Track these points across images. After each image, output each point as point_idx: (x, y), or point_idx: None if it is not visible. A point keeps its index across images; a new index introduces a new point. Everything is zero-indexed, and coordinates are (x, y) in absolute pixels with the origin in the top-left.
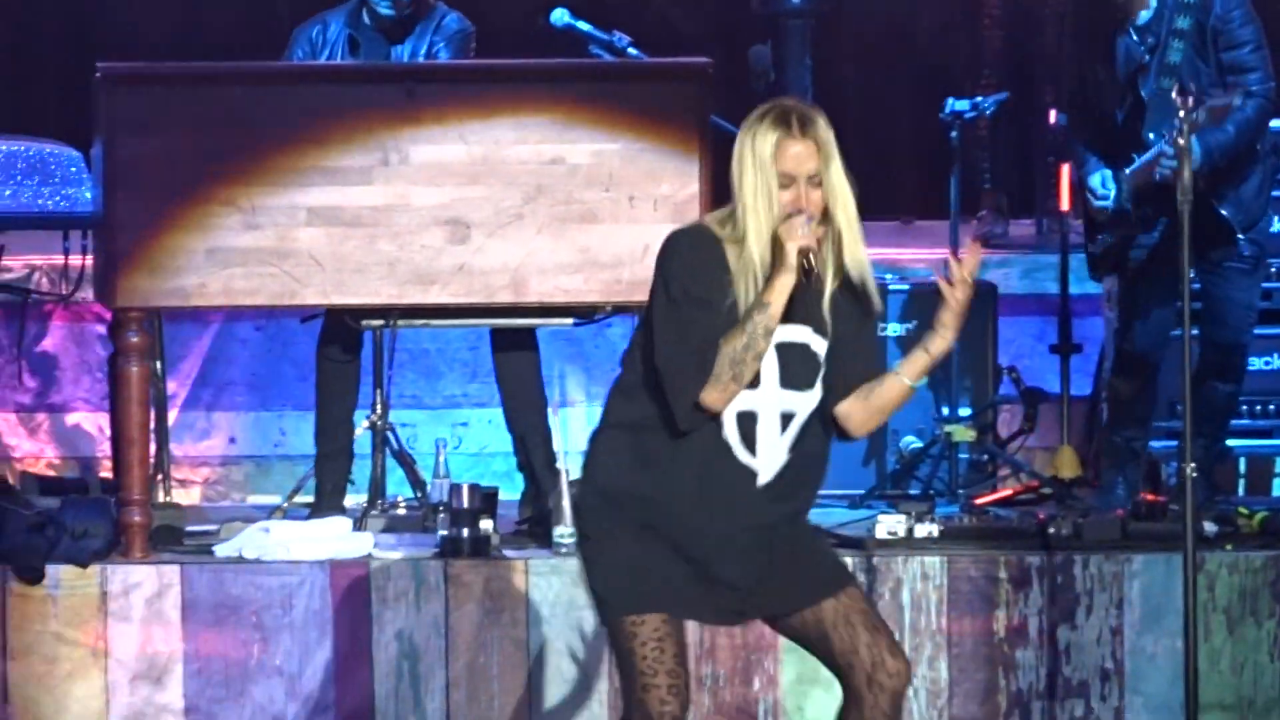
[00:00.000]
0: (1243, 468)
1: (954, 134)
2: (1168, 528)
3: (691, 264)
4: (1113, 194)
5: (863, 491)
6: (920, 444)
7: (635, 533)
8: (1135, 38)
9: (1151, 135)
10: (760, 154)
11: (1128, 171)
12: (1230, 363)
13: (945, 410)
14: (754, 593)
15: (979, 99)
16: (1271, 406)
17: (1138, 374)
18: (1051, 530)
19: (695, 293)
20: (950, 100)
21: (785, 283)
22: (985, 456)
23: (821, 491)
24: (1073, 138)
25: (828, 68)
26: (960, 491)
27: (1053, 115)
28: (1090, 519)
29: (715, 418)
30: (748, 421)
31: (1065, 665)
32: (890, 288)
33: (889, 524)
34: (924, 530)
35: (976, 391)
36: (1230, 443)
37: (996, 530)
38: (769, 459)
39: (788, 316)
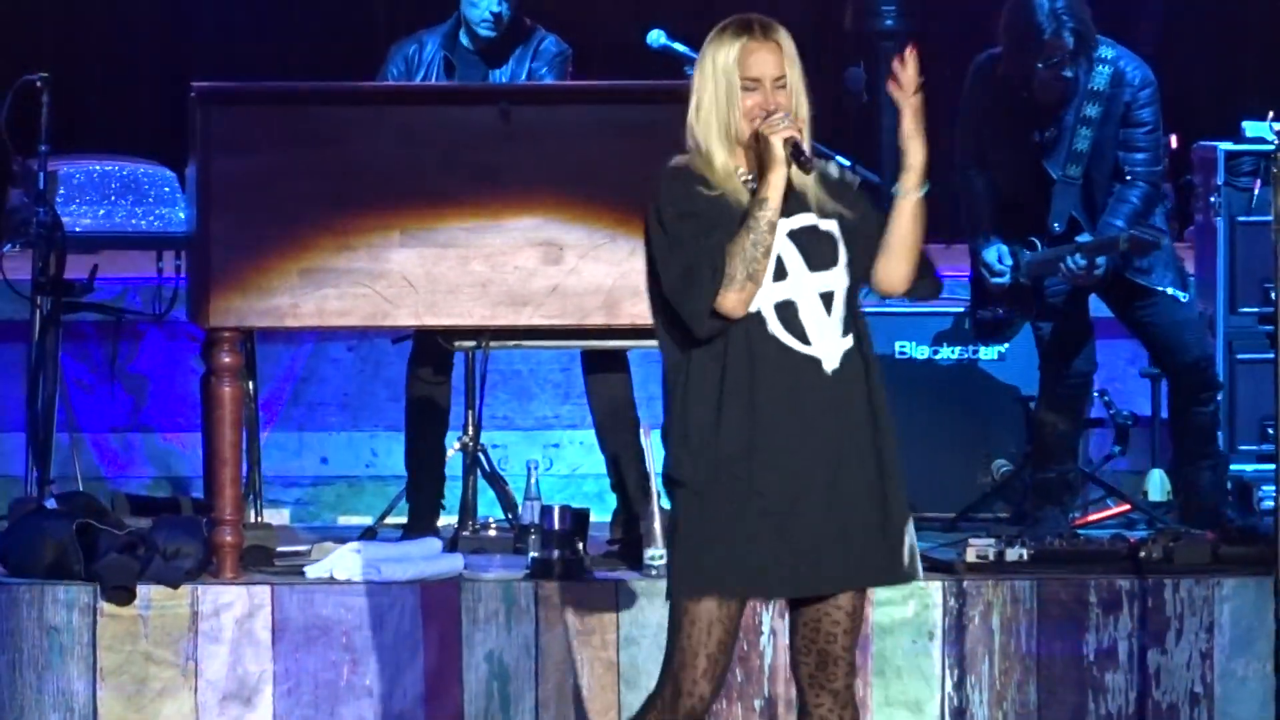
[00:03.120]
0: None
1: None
2: (1259, 551)
3: (673, 191)
4: (1008, 270)
5: (953, 514)
6: (1011, 467)
7: (720, 498)
8: (1048, 119)
9: (1056, 225)
10: (723, 63)
11: (1030, 258)
12: (1206, 379)
13: None
14: (826, 552)
15: None
16: None
17: (1068, 408)
18: (1142, 554)
19: (683, 209)
20: None
21: (779, 176)
22: (1076, 479)
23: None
24: (973, 203)
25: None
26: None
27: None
28: (1181, 542)
29: (748, 321)
30: (788, 310)
31: (1155, 689)
32: None
33: (979, 547)
34: (1014, 554)
35: None
36: None
37: (1087, 553)
38: (826, 343)
39: (785, 210)
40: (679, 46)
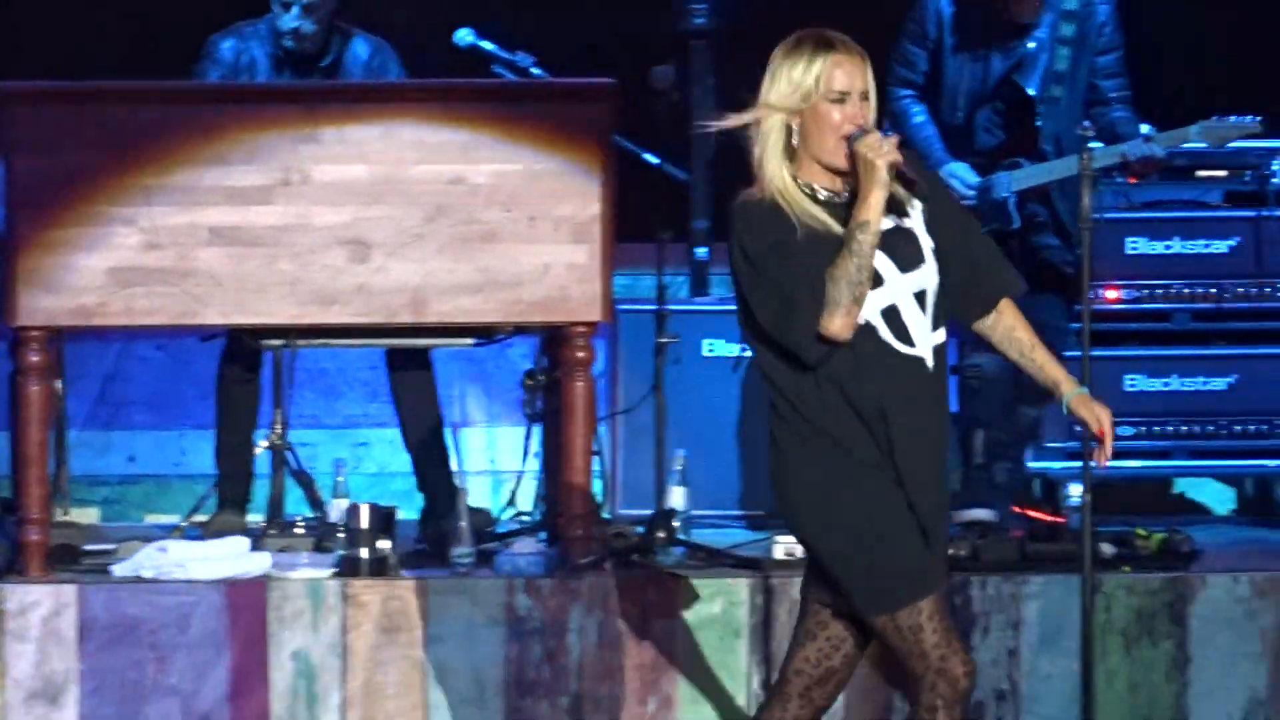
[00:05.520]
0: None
1: None
2: (1065, 549)
3: (750, 224)
4: (976, 186)
5: (761, 513)
6: None
7: (869, 515)
8: (1016, 36)
9: (1048, 147)
10: (806, 79)
11: (1018, 173)
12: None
13: None
14: (943, 545)
15: None
16: (1169, 428)
17: (1043, 396)
18: (950, 552)
19: (766, 241)
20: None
21: (879, 198)
22: None
23: (719, 512)
24: (920, 122)
25: (735, 87)
26: None
27: None
28: (987, 540)
29: (859, 332)
30: (893, 315)
31: None
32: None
33: (787, 544)
34: None
35: None
36: (1126, 464)
37: None
38: (924, 342)
39: None
40: (486, 44)
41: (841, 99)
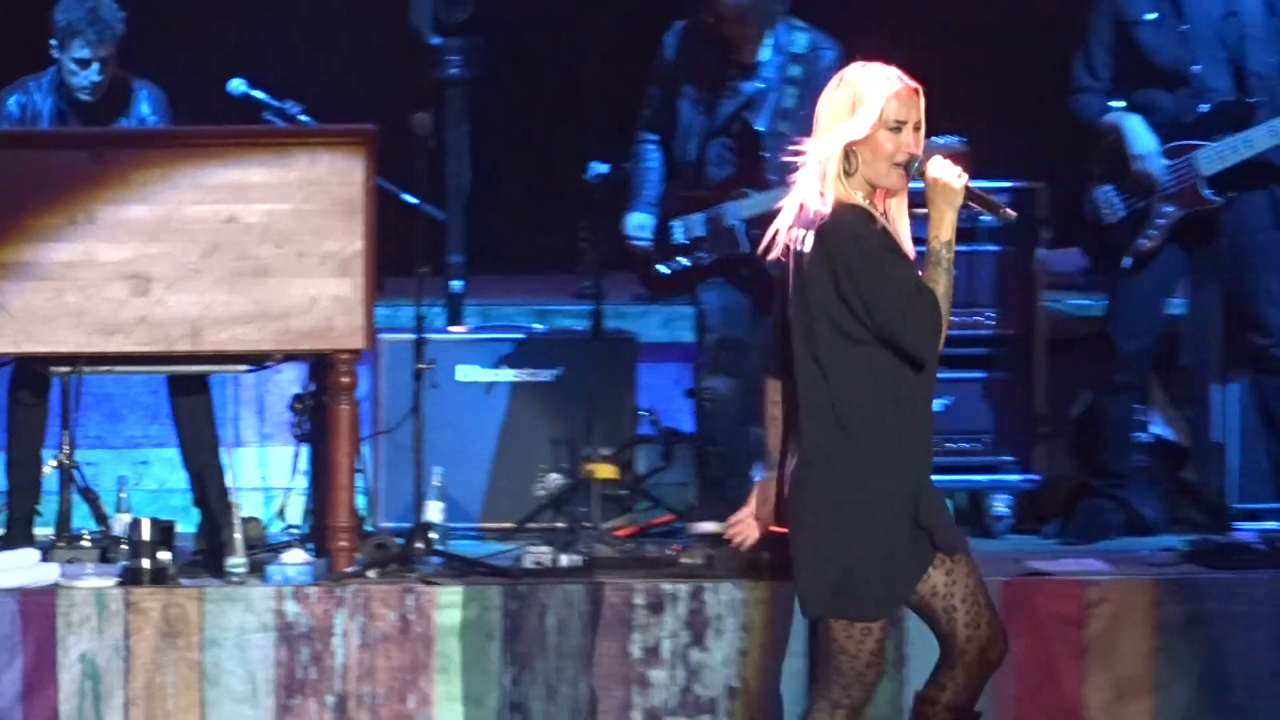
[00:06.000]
0: None
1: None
2: (790, 558)
3: (860, 225)
4: (651, 231)
5: (510, 525)
6: (564, 480)
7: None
8: (744, 77)
9: (773, 177)
10: (866, 112)
11: (746, 202)
12: None
13: (588, 450)
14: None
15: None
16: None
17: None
18: (685, 560)
19: (881, 242)
20: (593, 163)
21: (954, 218)
22: (625, 492)
23: (472, 525)
24: (647, 166)
25: (488, 132)
26: (602, 526)
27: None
28: (721, 550)
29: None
30: None
31: (696, 684)
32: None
33: (536, 554)
34: (568, 560)
35: (617, 432)
36: None
37: (635, 560)
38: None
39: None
40: (258, 93)
41: (898, 128)
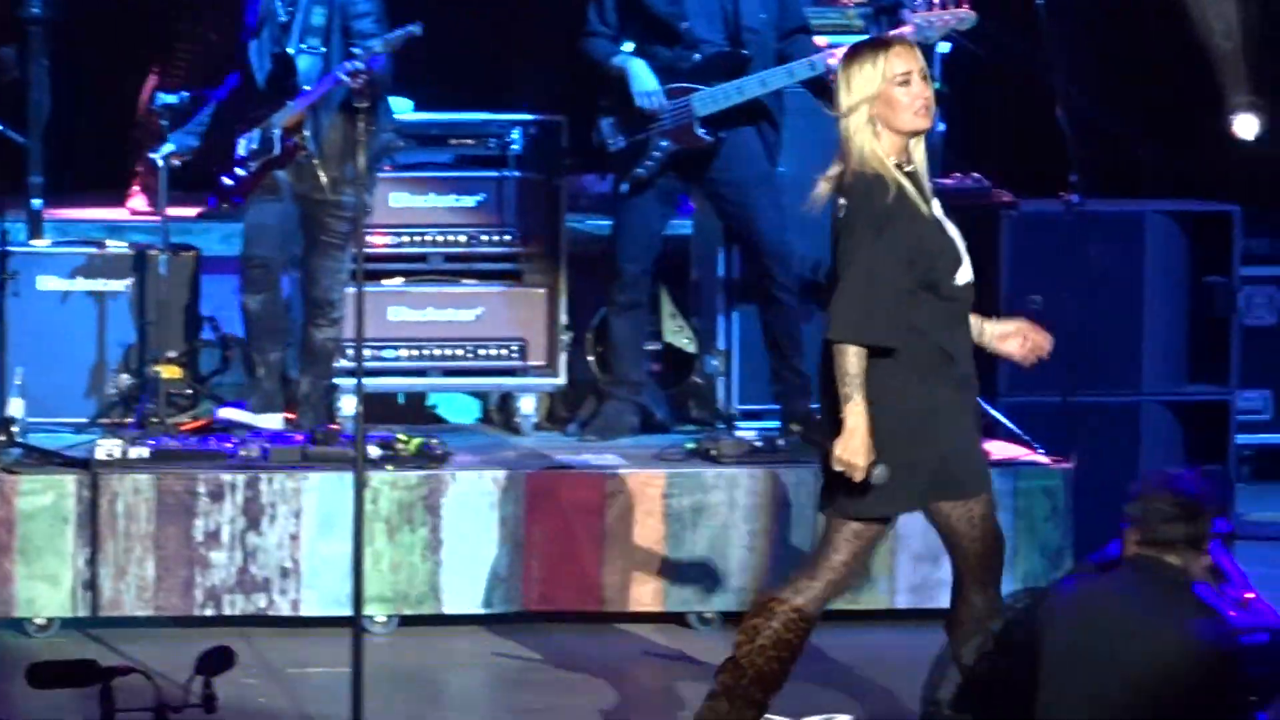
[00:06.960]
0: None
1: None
2: (340, 451)
3: (882, 190)
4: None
5: (85, 419)
6: (133, 380)
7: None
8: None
9: (307, 86)
10: (873, 75)
11: (284, 114)
12: (331, 314)
13: (155, 352)
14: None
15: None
16: (426, 351)
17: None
18: (243, 452)
19: (881, 208)
20: (158, 94)
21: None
22: (189, 391)
23: (50, 420)
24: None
25: (63, 68)
26: (168, 421)
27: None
28: (277, 447)
29: (958, 295)
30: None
31: (253, 565)
32: None
33: (108, 447)
34: (137, 452)
35: (182, 337)
36: (391, 382)
37: (196, 453)
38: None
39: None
40: None
41: (906, 80)
